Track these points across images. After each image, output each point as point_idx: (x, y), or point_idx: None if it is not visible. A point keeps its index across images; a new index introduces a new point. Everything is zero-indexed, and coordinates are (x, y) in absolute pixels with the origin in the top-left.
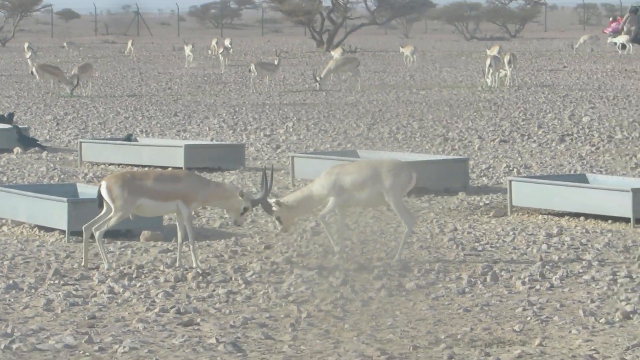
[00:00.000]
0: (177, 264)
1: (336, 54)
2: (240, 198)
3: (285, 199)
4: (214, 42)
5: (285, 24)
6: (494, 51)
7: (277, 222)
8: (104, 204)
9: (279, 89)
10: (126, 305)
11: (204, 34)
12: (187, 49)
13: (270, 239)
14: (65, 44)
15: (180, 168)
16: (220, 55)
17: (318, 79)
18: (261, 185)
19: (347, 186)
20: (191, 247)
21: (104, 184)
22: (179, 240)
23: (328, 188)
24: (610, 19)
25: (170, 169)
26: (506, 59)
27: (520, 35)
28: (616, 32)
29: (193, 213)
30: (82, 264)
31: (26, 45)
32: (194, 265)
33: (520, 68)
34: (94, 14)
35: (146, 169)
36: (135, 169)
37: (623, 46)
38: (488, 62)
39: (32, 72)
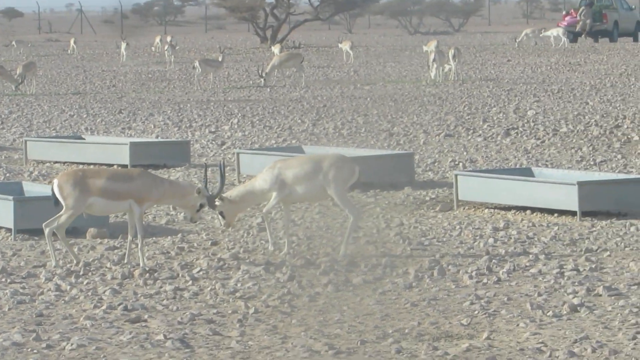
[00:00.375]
0: (125, 261)
1: (276, 49)
2: (197, 195)
3: (227, 194)
4: (157, 39)
5: (229, 20)
6: (431, 46)
7: (220, 217)
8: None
9: (223, 86)
10: (73, 302)
11: (147, 32)
12: (122, 47)
13: (217, 236)
14: (14, 42)
15: (126, 166)
16: (165, 52)
17: (262, 75)
18: (207, 182)
19: (290, 180)
20: (139, 245)
21: (55, 181)
22: (129, 237)
23: (270, 182)
24: (564, 12)
25: (115, 166)
26: (450, 53)
27: (464, 30)
28: (572, 25)
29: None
30: (75, 262)
31: None
32: (141, 263)
33: (465, 62)
34: (37, 12)
35: (99, 167)
36: (82, 167)
37: (558, 39)
38: (432, 56)
39: None
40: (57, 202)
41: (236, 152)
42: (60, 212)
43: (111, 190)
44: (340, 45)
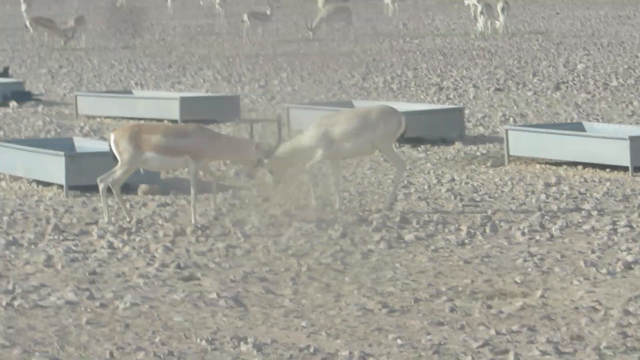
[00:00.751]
0: (192, 220)
1: (321, 2)
2: (255, 150)
3: (275, 151)
4: None
5: None
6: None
7: (268, 174)
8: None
9: (272, 40)
10: (126, 260)
11: None
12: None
13: (269, 192)
14: None
15: (176, 121)
16: (217, 4)
17: (311, 28)
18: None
19: (337, 137)
20: (192, 202)
21: (112, 136)
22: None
23: (317, 140)
24: None
25: (165, 121)
26: (499, 6)
27: None
28: None
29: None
30: (128, 219)
31: None
32: (193, 220)
33: (513, 15)
34: None
35: (155, 122)
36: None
37: None
38: (479, 9)
39: (26, 25)
40: (114, 156)
41: (286, 107)
42: (115, 168)
43: (167, 146)
44: None
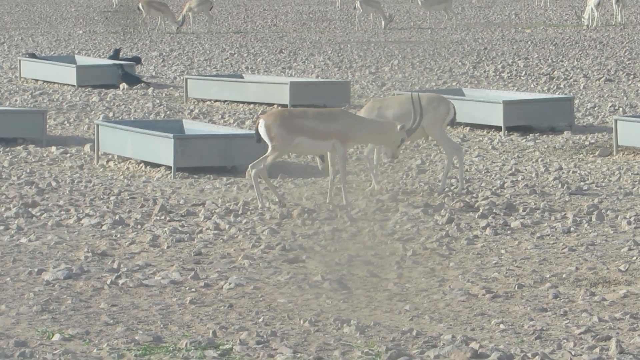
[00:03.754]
0: (327, 201)
1: None
2: (399, 130)
3: None
4: None
5: None
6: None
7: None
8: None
9: (384, 26)
10: (232, 241)
11: None
12: None
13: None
14: None
15: (286, 105)
16: None
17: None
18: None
19: (389, 118)
20: (343, 185)
21: (262, 122)
22: (330, 177)
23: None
24: None
25: (275, 106)
26: None
27: None
28: None
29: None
30: (279, 202)
31: None
32: (344, 202)
33: (625, 6)
34: None
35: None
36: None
37: None
38: (595, 1)
39: (138, 8)
40: (259, 140)
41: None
42: (267, 153)
43: (317, 130)
44: None
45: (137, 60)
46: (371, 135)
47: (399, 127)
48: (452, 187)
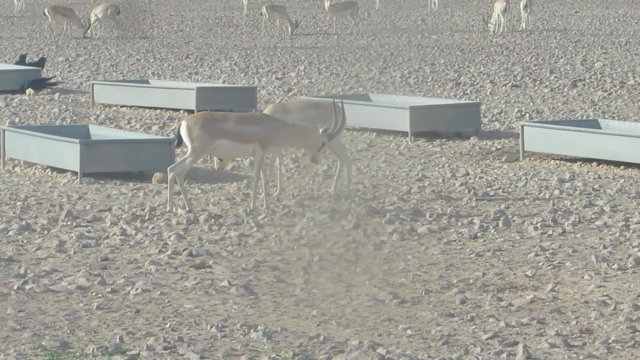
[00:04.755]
0: (264, 206)
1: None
2: (321, 134)
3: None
4: None
5: None
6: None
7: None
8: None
9: (289, 32)
10: (138, 247)
11: None
12: None
13: (283, 183)
14: None
15: (192, 111)
16: None
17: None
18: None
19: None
20: (253, 191)
21: (184, 123)
22: (262, 182)
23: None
24: None
25: (182, 112)
26: (522, 3)
27: None
28: None
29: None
30: (186, 208)
31: None
32: (265, 204)
33: (532, 12)
34: None
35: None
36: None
37: None
38: (501, 6)
39: (44, 14)
40: (179, 142)
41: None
42: (186, 155)
43: (238, 133)
44: None
45: (41, 62)
46: (293, 138)
47: (320, 130)
48: (359, 193)
